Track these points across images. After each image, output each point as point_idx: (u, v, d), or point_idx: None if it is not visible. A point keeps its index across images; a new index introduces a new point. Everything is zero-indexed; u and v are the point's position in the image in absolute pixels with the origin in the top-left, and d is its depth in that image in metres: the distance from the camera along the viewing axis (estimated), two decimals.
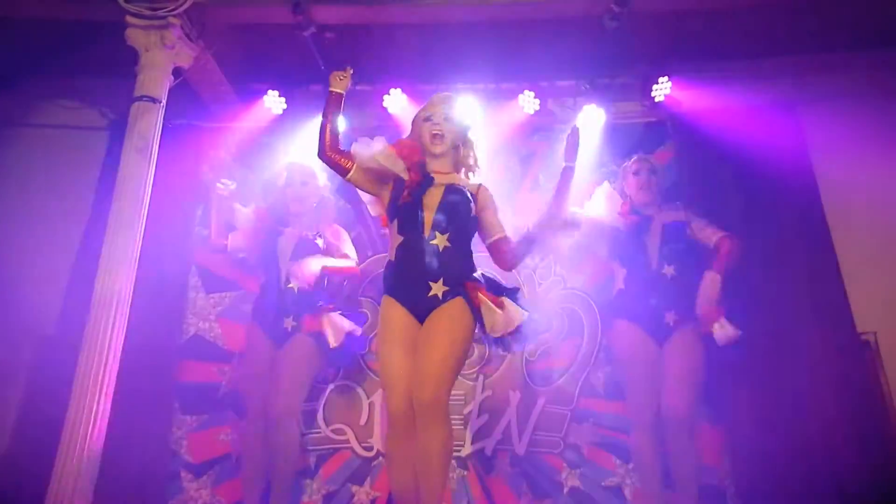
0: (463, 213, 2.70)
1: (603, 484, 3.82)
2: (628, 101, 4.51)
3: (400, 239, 2.67)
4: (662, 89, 4.27)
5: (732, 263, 3.53)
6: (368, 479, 3.85)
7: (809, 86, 4.34)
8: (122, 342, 3.01)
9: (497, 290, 2.67)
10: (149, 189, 3.23)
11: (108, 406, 2.90)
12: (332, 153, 2.75)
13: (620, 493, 3.80)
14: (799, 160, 4.19)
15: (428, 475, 2.45)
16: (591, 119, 4.31)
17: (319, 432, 3.94)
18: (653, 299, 3.50)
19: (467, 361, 3.94)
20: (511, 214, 4.29)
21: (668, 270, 3.54)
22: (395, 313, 2.62)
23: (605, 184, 3.97)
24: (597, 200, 3.86)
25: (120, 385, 2.99)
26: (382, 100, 4.29)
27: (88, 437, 2.79)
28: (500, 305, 2.58)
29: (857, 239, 4.04)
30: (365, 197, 2.97)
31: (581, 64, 4.31)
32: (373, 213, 3.04)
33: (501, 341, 2.67)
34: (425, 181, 2.68)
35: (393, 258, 2.69)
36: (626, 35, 3.85)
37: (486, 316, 2.56)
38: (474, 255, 2.75)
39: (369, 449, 3.91)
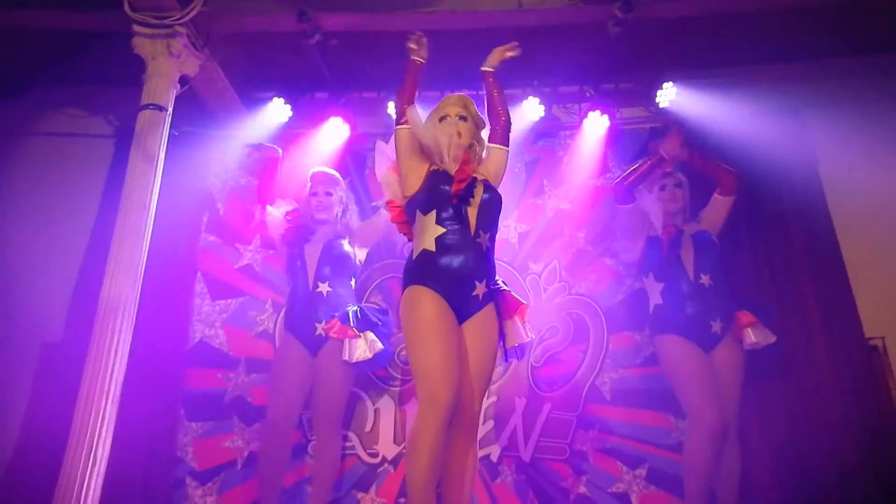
0: (496, 213, 2.75)
1: (609, 490, 3.80)
2: (633, 107, 4.52)
3: (440, 230, 2.60)
4: (667, 95, 4.27)
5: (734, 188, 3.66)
6: (374, 485, 3.84)
7: (815, 91, 4.33)
8: (128, 349, 3.02)
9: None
10: (155, 196, 3.25)
11: (114, 413, 2.91)
12: (402, 103, 2.82)
13: (627, 499, 3.77)
14: (805, 165, 4.18)
15: (467, 483, 2.59)
16: (596, 125, 4.32)
17: None
18: (697, 310, 3.47)
19: None
20: (515, 220, 4.35)
21: (705, 280, 3.51)
22: (437, 305, 2.53)
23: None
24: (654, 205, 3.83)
25: (126, 392, 3.00)
26: (387, 107, 4.30)
27: (94, 444, 2.80)
28: (523, 320, 2.75)
29: (865, 244, 4.02)
30: (385, 178, 2.94)
31: (585, 70, 4.31)
32: (386, 195, 2.94)
33: (506, 350, 2.78)
34: (474, 178, 2.71)
35: (432, 248, 2.60)
36: (630, 41, 3.86)
37: (510, 330, 2.71)
38: None
39: (374, 455, 3.90)
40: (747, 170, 4.10)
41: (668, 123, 4.42)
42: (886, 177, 4.07)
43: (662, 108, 4.33)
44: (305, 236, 3.76)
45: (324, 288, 3.62)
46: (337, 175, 3.88)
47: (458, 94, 2.93)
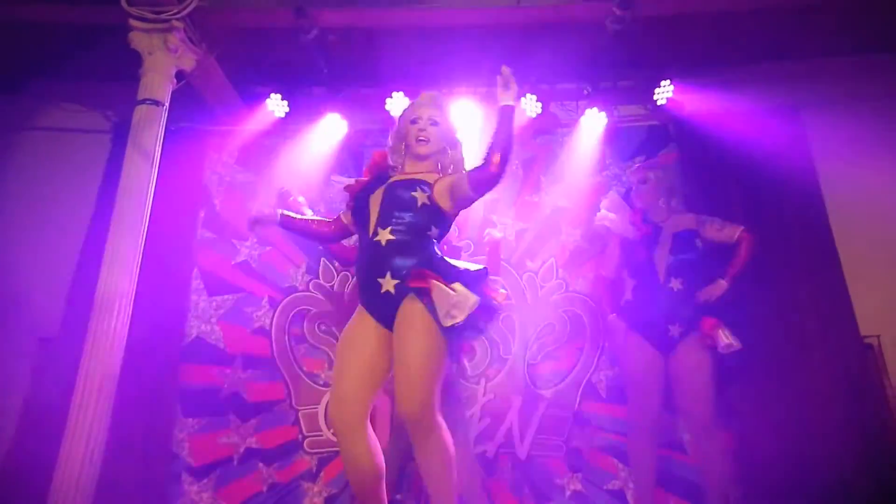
0: (408, 203, 2.53)
1: (605, 487, 3.81)
2: (631, 105, 4.52)
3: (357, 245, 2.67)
4: (665, 93, 4.27)
5: (753, 256, 3.52)
6: None
7: (812, 89, 4.34)
8: (125, 344, 3.01)
9: (450, 276, 2.44)
10: (151, 192, 3.25)
11: (110, 408, 2.91)
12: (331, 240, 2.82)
13: (622, 496, 3.78)
14: (802, 164, 4.18)
15: (437, 487, 2.42)
16: (594, 122, 4.32)
17: (321, 435, 3.94)
18: (659, 312, 3.47)
19: (470, 364, 3.98)
20: (512, 217, 4.35)
21: (675, 284, 3.49)
22: (355, 318, 2.57)
23: (612, 192, 3.96)
24: (606, 210, 3.82)
25: (122, 387, 2.99)
26: (384, 103, 4.28)
27: (90, 439, 2.79)
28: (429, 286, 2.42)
29: (861, 242, 4.03)
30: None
31: (584, 67, 4.31)
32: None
33: (454, 329, 2.41)
34: (374, 182, 2.67)
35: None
36: (628, 39, 3.85)
37: (438, 304, 2.37)
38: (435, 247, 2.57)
39: None
40: (744, 167, 4.12)
41: (666, 122, 4.45)
42: (883, 175, 4.08)
43: (660, 106, 4.33)
44: None
45: None
46: None
47: (432, 93, 2.79)
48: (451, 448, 2.42)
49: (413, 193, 2.55)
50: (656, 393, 3.45)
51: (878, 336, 3.91)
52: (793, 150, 4.17)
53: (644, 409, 3.46)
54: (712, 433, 3.39)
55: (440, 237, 2.63)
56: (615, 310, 3.68)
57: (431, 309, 2.38)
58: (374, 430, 2.54)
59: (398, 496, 3.63)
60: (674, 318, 3.45)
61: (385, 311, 2.47)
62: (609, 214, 3.76)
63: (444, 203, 2.57)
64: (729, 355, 3.41)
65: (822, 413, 3.64)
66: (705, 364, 3.42)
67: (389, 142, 2.76)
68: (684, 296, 3.48)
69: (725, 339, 3.38)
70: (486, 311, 2.51)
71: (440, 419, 2.40)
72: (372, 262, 2.51)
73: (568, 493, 3.81)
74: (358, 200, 2.67)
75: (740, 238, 3.52)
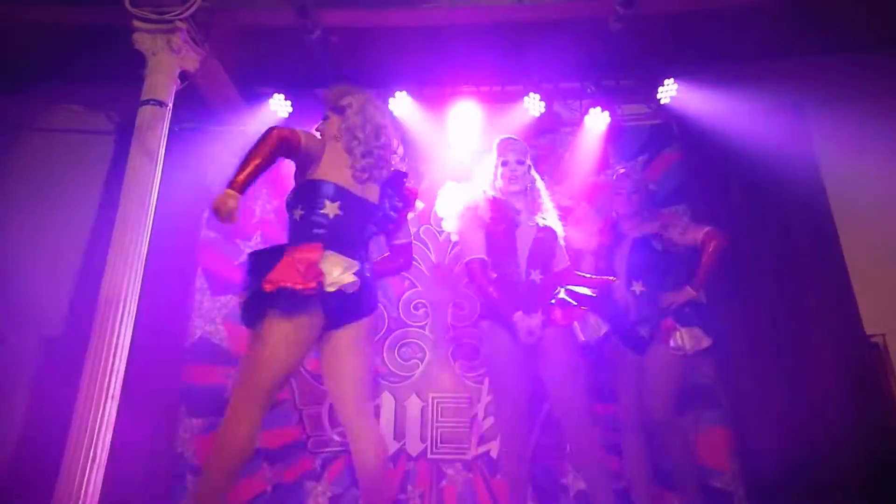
0: None
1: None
2: (634, 104, 4.52)
3: None
4: (668, 91, 4.26)
5: (720, 258, 3.43)
6: None
7: (816, 87, 4.32)
8: (129, 344, 3.02)
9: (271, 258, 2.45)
10: (155, 192, 3.25)
11: (115, 408, 2.91)
12: None
13: (627, 496, 3.77)
14: (806, 162, 4.17)
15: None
16: (597, 121, 4.31)
17: (324, 435, 3.94)
18: (627, 316, 3.47)
19: (472, 363, 3.96)
20: None
21: (637, 287, 3.48)
22: None
23: (584, 204, 3.93)
24: (576, 222, 3.78)
25: (126, 387, 3.00)
26: (388, 103, 4.29)
27: (94, 439, 2.80)
28: None
29: (865, 240, 4.02)
30: None
31: (586, 66, 4.31)
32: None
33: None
34: None
35: None
36: (631, 37, 3.84)
37: None
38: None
39: None
40: (748, 166, 4.11)
41: (669, 120, 4.44)
42: (888, 173, 4.06)
43: (663, 105, 4.32)
44: (515, 219, 3.22)
45: (536, 276, 3.20)
46: (526, 145, 3.39)
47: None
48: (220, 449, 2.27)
49: None
50: (639, 393, 3.45)
51: (884, 335, 3.90)
52: (797, 148, 4.16)
53: (629, 408, 3.47)
54: (671, 425, 3.36)
55: (308, 211, 2.48)
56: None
57: None
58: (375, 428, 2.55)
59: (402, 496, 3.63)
60: (641, 319, 3.45)
61: None
62: (576, 234, 3.67)
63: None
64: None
65: (827, 412, 3.63)
66: (668, 365, 3.40)
67: None
68: (648, 297, 3.46)
69: (675, 341, 3.36)
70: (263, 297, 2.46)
71: (234, 414, 2.34)
72: None
73: (573, 492, 3.80)
74: None
75: (704, 240, 3.42)
